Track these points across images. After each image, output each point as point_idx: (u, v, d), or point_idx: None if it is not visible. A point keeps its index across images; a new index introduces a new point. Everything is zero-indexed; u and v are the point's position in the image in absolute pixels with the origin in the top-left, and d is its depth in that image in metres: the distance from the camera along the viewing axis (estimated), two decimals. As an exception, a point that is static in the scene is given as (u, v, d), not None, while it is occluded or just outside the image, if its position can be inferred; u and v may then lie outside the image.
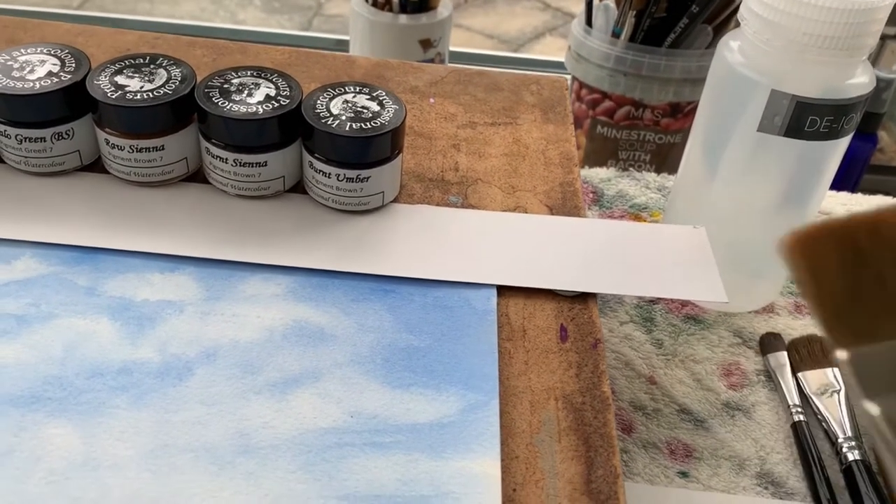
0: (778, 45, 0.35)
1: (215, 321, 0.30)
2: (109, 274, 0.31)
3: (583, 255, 0.34)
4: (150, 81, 0.33)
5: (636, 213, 0.50)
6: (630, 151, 0.74)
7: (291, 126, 0.34)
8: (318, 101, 0.34)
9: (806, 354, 0.41)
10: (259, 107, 0.33)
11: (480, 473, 0.26)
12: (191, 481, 0.25)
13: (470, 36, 1.53)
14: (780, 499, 0.36)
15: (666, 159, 0.75)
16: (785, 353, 0.41)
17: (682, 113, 0.72)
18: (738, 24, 0.38)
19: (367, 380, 0.28)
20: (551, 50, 1.52)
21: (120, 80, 0.33)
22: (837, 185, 0.46)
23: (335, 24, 1.54)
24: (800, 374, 0.40)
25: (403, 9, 0.77)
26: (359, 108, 0.34)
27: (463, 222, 0.35)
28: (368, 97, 0.35)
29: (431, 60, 0.79)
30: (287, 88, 0.34)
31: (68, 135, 0.34)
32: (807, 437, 0.37)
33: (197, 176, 0.35)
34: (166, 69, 0.34)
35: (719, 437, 0.38)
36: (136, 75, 0.34)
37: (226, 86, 0.34)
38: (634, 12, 0.69)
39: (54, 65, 0.34)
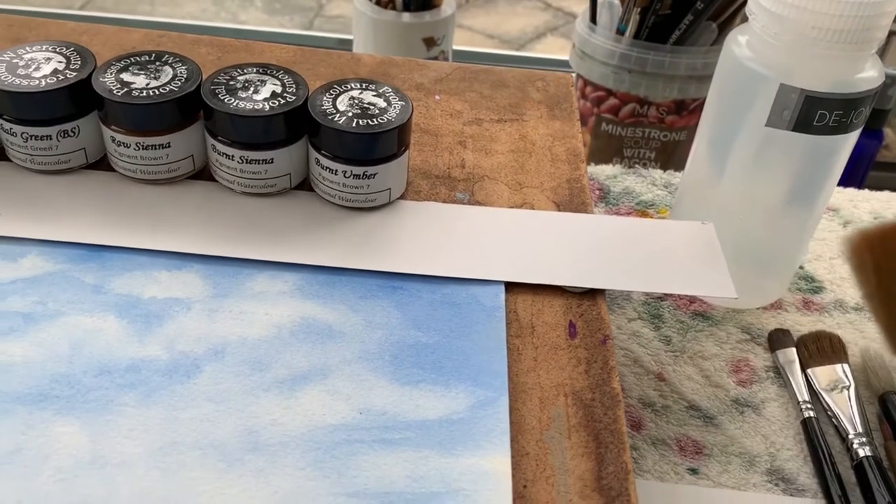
0: (786, 39, 0.35)
1: (223, 318, 0.29)
2: (116, 272, 0.31)
3: (591, 251, 0.34)
4: (156, 79, 0.33)
5: (643, 210, 0.50)
6: (635, 149, 0.74)
7: (298, 123, 0.33)
8: (325, 98, 0.34)
9: (815, 350, 0.40)
10: (265, 104, 0.33)
11: (491, 470, 0.26)
12: (199, 479, 0.25)
13: (471, 36, 1.52)
14: (791, 496, 0.35)
15: (671, 157, 0.75)
16: (794, 350, 0.41)
17: (686, 110, 0.72)
18: (742, 21, 0.37)
19: (375, 376, 0.28)
20: (552, 50, 1.51)
21: (125, 77, 0.33)
22: (844, 181, 0.46)
23: (336, 24, 1.54)
24: (809, 371, 0.40)
25: (407, 7, 0.77)
26: (365, 105, 0.34)
27: (470, 219, 0.35)
28: (375, 94, 0.34)
29: (435, 59, 0.79)
30: (293, 85, 0.34)
31: (74, 132, 0.34)
32: (817, 433, 0.37)
33: (203, 173, 0.35)
34: (172, 66, 0.34)
35: (729, 433, 0.38)
36: (142, 73, 0.34)
37: (232, 83, 0.34)
38: (639, 9, 0.68)
39: (60, 62, 0.34)
